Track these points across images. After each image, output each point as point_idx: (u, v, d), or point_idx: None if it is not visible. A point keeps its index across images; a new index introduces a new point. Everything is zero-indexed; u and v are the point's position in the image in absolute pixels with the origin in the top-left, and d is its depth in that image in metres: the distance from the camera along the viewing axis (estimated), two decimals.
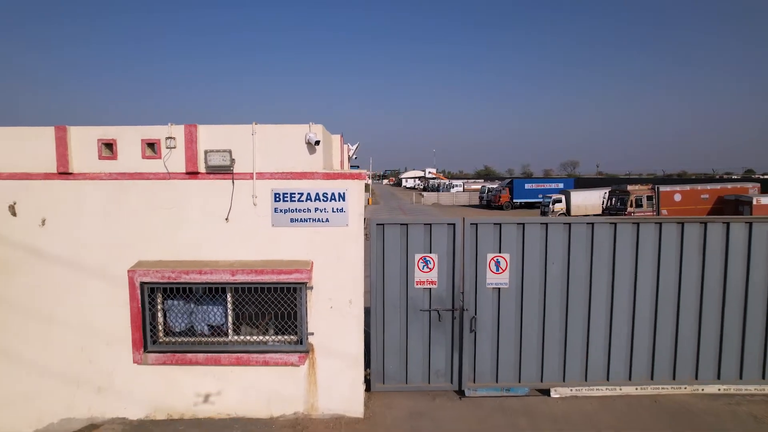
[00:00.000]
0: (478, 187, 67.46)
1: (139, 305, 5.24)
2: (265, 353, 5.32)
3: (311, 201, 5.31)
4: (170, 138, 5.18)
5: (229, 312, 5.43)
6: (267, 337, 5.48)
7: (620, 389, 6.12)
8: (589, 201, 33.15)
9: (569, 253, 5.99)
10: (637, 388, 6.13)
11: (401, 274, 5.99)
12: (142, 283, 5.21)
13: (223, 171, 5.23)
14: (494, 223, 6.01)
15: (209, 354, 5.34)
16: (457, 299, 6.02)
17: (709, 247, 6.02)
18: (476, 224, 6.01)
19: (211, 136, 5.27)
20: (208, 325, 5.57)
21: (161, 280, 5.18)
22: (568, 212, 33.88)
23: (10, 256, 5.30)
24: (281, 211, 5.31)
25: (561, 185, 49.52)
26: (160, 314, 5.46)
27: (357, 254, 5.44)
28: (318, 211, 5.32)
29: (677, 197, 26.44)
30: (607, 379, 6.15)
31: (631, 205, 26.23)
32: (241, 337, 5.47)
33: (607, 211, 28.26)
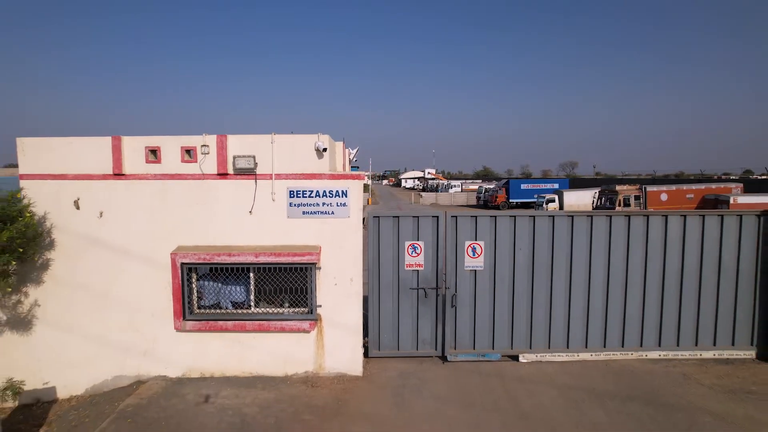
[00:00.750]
0: (476, 187, 68.59)
1: (180, 282, 6.42)
2: (282, 321, 6.51)
3: (319, 197, 6.50)
4: (205, 145, 6.36)
5: (252, 288, 6.61)
6: (283, 309, 6.67)
7: (578, 355, 7.30)
8: (581, 200, 34.33)
9: (534, 241, 7.17)
10: (591, 355, 7.30)
11: (394, 259, 7.17)
12: (182, 264, 6.39)
13: (247, 172, 6.41)
14: (471, 216, 7.21)
15: (236, 321, 6.52)
16: (440, 279, 7.20)
17: (651, 236, 7.20)
18: (456, 217, 7.21)
19: (238, 144, 6.45)
20: (232, 302, 6.75)
21: (198, 261, 6.36)
22: (561, 209, 35.08)
23: (74, 244, 6.48)
24: (295, 205, 6.50)
25: (556, 185, 50.66)
26: (195, 291, 6.64)
27: (357, 241, 6.63)
28: (325, 206, 6.50)
29: (663, 197, 27.62)
30: (567, 347, 7.33)
31: (619, 204, 27.41)
32: (262, 309, 6.65)
33: (597, 209, 29.43)
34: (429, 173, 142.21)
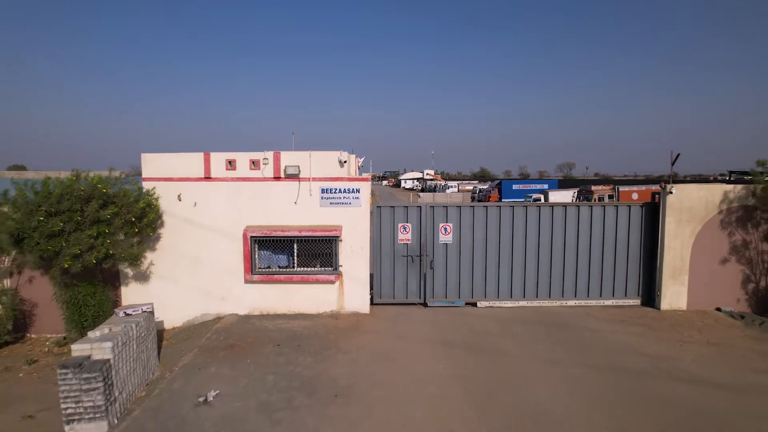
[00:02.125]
0: (471, 187, 71.73)
1: (249, 249, 9.66)
2: (316, 275, 9.75)
3: (341, 193, 9.73)
4: (266, 159, 9.60)
5: (295, 254, 9.85)
6: (316, 268, 9.91)
7: (518, 303, 10.53)
8: (564, 199, 37.49)
9: (487, 224, 10.41)
10: (528, 302, 10.53)
11: (391, 235, 10.40)
12: (251, 237, 9.62)
13: (293, 176, 9.65)
14: (443, 206, 10.44)
15: (286, 275, 9.76)
16: (422, 250, 10.43)
17: (568, 220, 10.44)
18: (433, 207, 10.44)
19: (287, 158, 9.69)
20: (279, 265, 9.98)
21: (261, 235, 9.60)
22: None
23: (178, 224, 9.71)
24: (324, 198, 9.73)
25: (545, 186, 53.89)
26: (257, 256, 9.87)
27: (365, 222, 9.86)
28: (344, 198, 9.74)
29: (634, 196, 30.80)
30: (511, 297, 10.56)
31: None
32: (301, 268, 9.89)
33: None
34: (428, 174, 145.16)
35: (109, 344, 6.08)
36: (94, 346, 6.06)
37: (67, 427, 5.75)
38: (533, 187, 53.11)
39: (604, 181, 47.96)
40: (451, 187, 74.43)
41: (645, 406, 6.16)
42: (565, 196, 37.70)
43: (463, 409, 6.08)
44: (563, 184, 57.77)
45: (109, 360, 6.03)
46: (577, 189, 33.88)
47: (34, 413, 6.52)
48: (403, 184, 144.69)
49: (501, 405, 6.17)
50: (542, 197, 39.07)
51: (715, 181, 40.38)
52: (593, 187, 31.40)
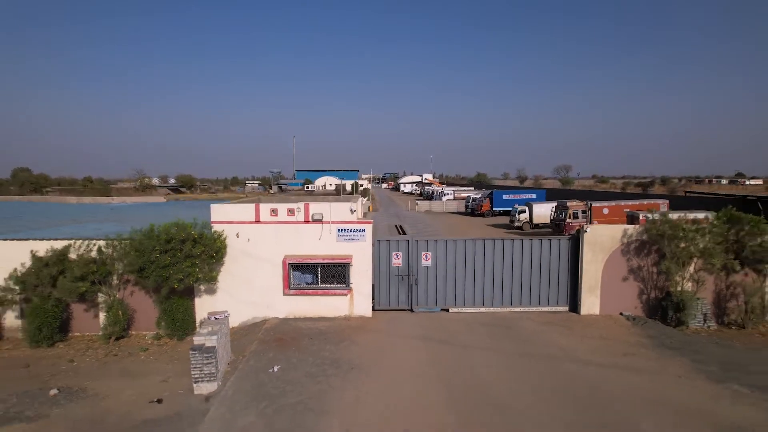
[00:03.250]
0: (466, 195, 75.64)
1: (287, 271, 13.67)
2: (334, 289, 13.77)
3: (351, 232, 13.74)
4: (298, 208, 13.61)
5: (319, 275, 13.85)
6: (334, 284, 13.92)
7: (479, 309, 14.53)
8: (546, 212, 41.46)
9: (456, 252, 14.41)
10: (486, 309, 14.54)
11: (387, 260, 14.40)
12: (288, 263, 13.63)
13: (318, 220, 13.65)
14: (425, 240, 14.45)
15: (312, 290, 13.78)
16: (410, 270, 14.42)
17: (515, 249, 14.44)
18: (417, 240, 14.44)
19: (314, 207, 13.70)
20: (306, 282, 13.97)
21: (295, 261, 13.62)
22: (531, 220, 42.31)
23: (236, 254, 13.71)
24: (340, 235, 13.74)
25: (534, 196, 57.75)
26: (291, 276, 13.88)
27: (369, 252, 13.87)
28: (354, 235, 13.74)
29: (605, 211, 34.75)
30: (474, 305, 14.56)
31: (569, 217, 34.57)
32: (323, 285, 13.90)
33: (553, 221, 36.72)
34: (426, 179, 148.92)
35: (215, 337, 10.08)
36: (207, 338, 10.06)
37: (195, 386, 9.75)
38: (522, 197, 57.02)
39: (587, 194, 51.36)
40: (447, 194, 78.24)
41: (550, 377, 10.15)
42: (547, 208, 41.66)
43: (433, 381, 10.06)
44: (551, 194, 61.69)
45: (215, 346, 10.03)
46: (556, 204, 37.78)
47: (165, 380, 10.52)
48: (402, 188, 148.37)
49: (460, 379, 10.16)
50: (527, 209, 43.11)
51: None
52: (569, 203, 35.35)
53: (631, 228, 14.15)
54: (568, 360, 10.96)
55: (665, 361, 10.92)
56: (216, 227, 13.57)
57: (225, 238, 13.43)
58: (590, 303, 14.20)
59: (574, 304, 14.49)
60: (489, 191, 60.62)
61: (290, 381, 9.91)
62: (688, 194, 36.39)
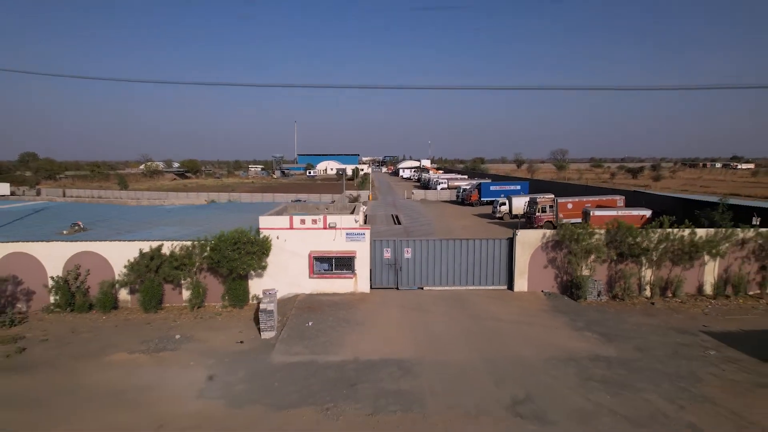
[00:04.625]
0: (460, 184, 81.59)
1: (311, 262, 20.00)
2: (343, 274, 20.15)
3: (355, 235, 20.01)
4: (319, 218, 19.84)
5: (333, 264, 20.18)
6: (343, 271, 20.28)
7: (443, 288, 20.90)
8: (522, 204, 47.57)
9: (428, 247, 20.71)
10: (447, 287, 20.90)
11: (380, 254, 20.71)
12: (313, 256, 19.95)
13: (333, 227, 19.92)
14: (406, 240, 20.73)
15: (330, 274, 20.14)
16: (396, 261, 20.74)
17: (470, 246, 20.71)
18: (401, 240, 20.73)
19: (330, 218, 19.93)
20: (324, 269, 20.29)
21: (317, 255, 19.95)
22: (510, 212, 48.49)
23: (276, 250, 20.00)
24: (348, 237, 20.03)
25: (518, 187, 63.86)
26: (314, 265, 20.19)
27: (367, 249, 20.19)
28: (357, 237, 20.01)
29: (570, 206, 40.85)
30: (440, 285, 20.92)
31: (539, 211, 40.71)
32: (337, 271, 20.25)
33: (525, 214, 42.94)
34: (424, 165, 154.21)
35: (272, 304, 16.43)
36: (267, 304, 16.39)
37: (261, 333, 16.15)
38: (507, 188, 63.11)
39: (565, 187, 56.73)
40: (442, 183, 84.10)
41: (476, 327, 16.52)
42: (523, 201, 47.79)
43: (405, 330, 16.44)
44: (534, 186, 67.52)
45: (273, 310, 16.38)
46: (528, 198, 43.86)
47: (240, 331, 16.91)
48: (401, 173, 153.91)
49: (421, 329, 16.53)
50: (506, 202, 49.22)
51: (613, 192, 47.83)
52: (539, 199, 41.45)
53: (548, 232, 20.38)
54: (492, 319, 17.35)
55: (553, 320, 17.32)
56: (263, 232, 19.81)
57: (270, 240, 19.69)
58: (521, 283, 20.53)
59: (510, 284, 20.81)
60: (477, 183, 66.50)
61: (319, 330, 16.30)
62: (636, 192, 42.31)
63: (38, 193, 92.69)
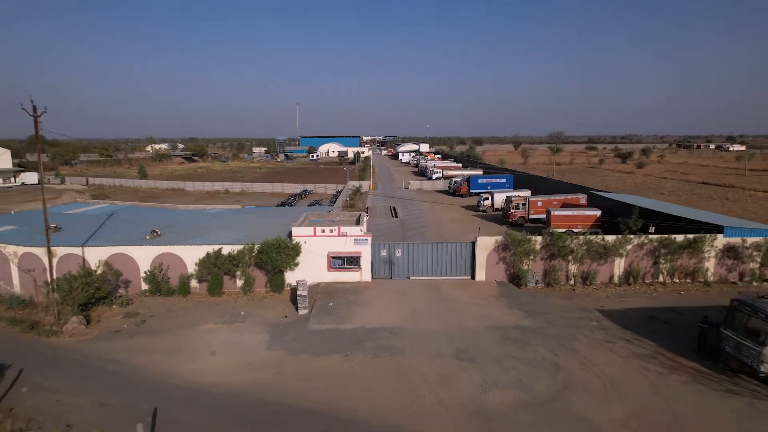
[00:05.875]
0: (454, 173, 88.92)
1: (329, 259, 27.86)
2: (352, 268, 28.06)
3: (361, 240, 27.80)
4: (335, 229, 27.57)
5: (345, 261, 28.03)
6: (353, 266, 28.15)
7: (425, 278, 28.81)
8: (501, 199, 55.04)
9: (414, 248, 28.53)
10: (427, 277, 28.79)
11: (378, 253, 28.56)
12: (330, 255, 27.80)
13: (345, 234, 27.69)
14: (398, 243, 28.53)
15: (344, 268, 28.04)
16: (390, 258, 28.58)
17: (446, 248, 28.50)
18: (394, 243, 28.54)
19: (343, 228, 27.66)
20: (338, 265, 28.14)
21: (333, 255, 27.81)
22: (492, 205, 56.10)
23: (304, 252, 27.79)
24: (355, 242, 27.83)
25: (503, 180, 71.29)
26: (331, 261, 28.03)
27: (369, 249, 28.05)
28: (362, 241, 27.82)
29: (539, 203, 48.34)
30: (422, 275, 28.81)
31: (513, 208, 48.25)
32: (347, 265, 28.12)
33: (502, 209, 50.55)
34: (422, 152, 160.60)
35: (305, 290, 24.35)
36: (302, 290, 24.29)
37: (299, 311, 24.13)
38: (493, 181, 70.62)
39: (543, 181, 62.76)
40: (437, 173, 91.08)
41: (445, 306, 24.46)
42: (504, 197, 55.26)
43: (395, 308, 24.39)
44: (518, 180, 74.57)
45: (306, 294, 24.29)
46: (506, 196, 51.32)
47: (282, 310, 24.85)
48: (400, 156, 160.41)
49: (406, 308, 24.48)
50: (489, 197, 56.73)
51: (580, 189, 53.49)
52: (513, 198, 48.96)
53: (499, 238, 28.11)
54: (455, 301, 25.27)
55: (497, 301, 25.23)
56: (295, 239, 27.55)
57: (300, 244, 27.45)
58: (480, 275, 28.38)
59: (473, 275, 28.67)
60: (467, 176, 73.77)
61: (337, 308, 24.24)
62: (592, 192, 49.58)
63: (63, 181, 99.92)
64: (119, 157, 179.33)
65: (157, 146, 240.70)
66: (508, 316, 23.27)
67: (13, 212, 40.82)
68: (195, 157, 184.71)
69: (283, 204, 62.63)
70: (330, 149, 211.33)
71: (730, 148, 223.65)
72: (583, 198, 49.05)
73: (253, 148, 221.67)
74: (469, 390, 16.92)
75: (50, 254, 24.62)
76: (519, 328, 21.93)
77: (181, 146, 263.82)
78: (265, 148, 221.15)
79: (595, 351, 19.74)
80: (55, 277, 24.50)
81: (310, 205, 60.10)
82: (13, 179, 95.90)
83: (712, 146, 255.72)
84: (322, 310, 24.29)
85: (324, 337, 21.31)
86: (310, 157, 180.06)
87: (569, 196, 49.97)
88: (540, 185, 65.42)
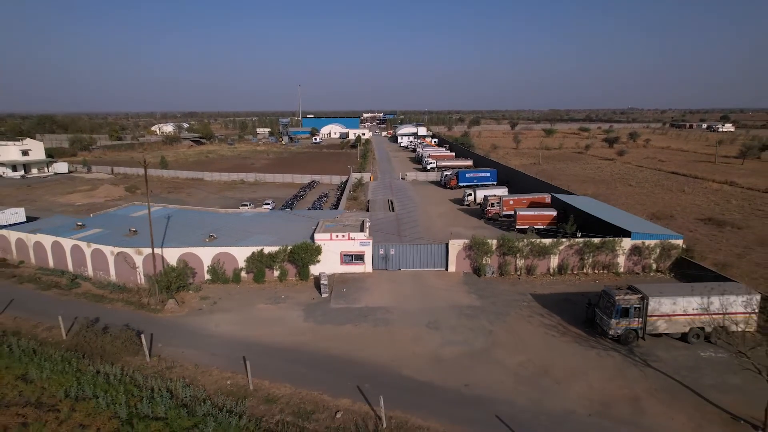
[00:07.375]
0: (448, 164, 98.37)
1: (342, 256, 38.24)
2: (358, 263, 38.50)
3: (364, 242, 38.09)
4: (345, 234, 37.81)
5: (353, 257, 38.40)
6: (359, 261, 38.56)
7: (411, 269, 39.22)
8: (482, 194, 64.85)
9: (405, 247, 38.84)
10: (414, 269, 39.20)
11: (377, 251, 38.87)
12: (342, 254, 38.16)
13: (354, 239, 37.94)
14: (393, 244, 38.85)
15: (351, 263, 38.45)
16: (387, 255, 38.92)
17: (430, 249, 38.80)
18: (389, 244, 38.86)
19: (352, 234, 37.89)
20: (348, 260, 38.51)
21: (345, 253, 38.17)
22: (474, 200, 66.07)
23: (323, 250, 38.10)
24: (360, 244, 38.14)
25: (488, 175, 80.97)
26: (343, 258, 38.39)
27: (371, 249, 38.43)
28: (365, 243, 38.13)
29: (511, 202, 58.21)
30: (410, 267, 39.22)
31: (489, 205, 58.15)
32: (354, 261, 38.52)
33: (481, 206, 60.58)
34: (420, 137, 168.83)
35: (326, 279, 34.80)
36: (324, 280, 34.72)
37: (322, 294, 34.67)
38: (479, 175, 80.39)
39: (523, 177, 72.16)
40: (431, 163, 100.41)
41: (424, 291, 34.93)
42: (485, 193, 65.07)
43: (389, 293, 34.86)
44: (502, 174, 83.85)
45: (327, 283, 34.71)
46: (484, 195, 61.18)
47: (311, 294, 35.33)
48: (399, 140, 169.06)
49: (399, 291, 34.96)
50: (473, 193, 66.61)
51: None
52: (490, 197, 58.83)
53: (466, 241, 38.32)
54: (432, 287, 35.75)
55: (461, 287, 35.69)
56: (317, 242, 37.81)
57: (320, 246, 37.73)
58: (452, 268, 38.75)
59: (447, 268, 39.03)
60: (456, 172, 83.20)
61: (348, 292, 34.72)
62: (553, 195, 58.77)
63: (89, 170, 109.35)
64: (129, 140, 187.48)
65: (163, 128, 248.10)
66: (466, 298, 33.74)
67: (92, 215, 50.75)
68: (203, 140, 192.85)
69: (296, 197, 72.51)
70: (332, 130, 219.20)
71: (720, 129, 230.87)
72: (547, 197, 58.86)
73: (258, 131, 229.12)
74: (432, 345, 27.51)
75: (154, 255, 34.97)
76: (472, 307, 32.41)
77: (185, 125, 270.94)
78: (269, 130, 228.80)
79: (518, 322, 30.25)
80: (143, 272, 34.98)
81: (318, 198, 70.22)
82: (46, 169, 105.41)
83: (705, 125, 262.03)
84: (338, 294, 34.75)
85: (341, 312, 31.81)
86: (313, 140, 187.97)
87: (537, 196, 59.80)
88: (519, 180, 75.28)
